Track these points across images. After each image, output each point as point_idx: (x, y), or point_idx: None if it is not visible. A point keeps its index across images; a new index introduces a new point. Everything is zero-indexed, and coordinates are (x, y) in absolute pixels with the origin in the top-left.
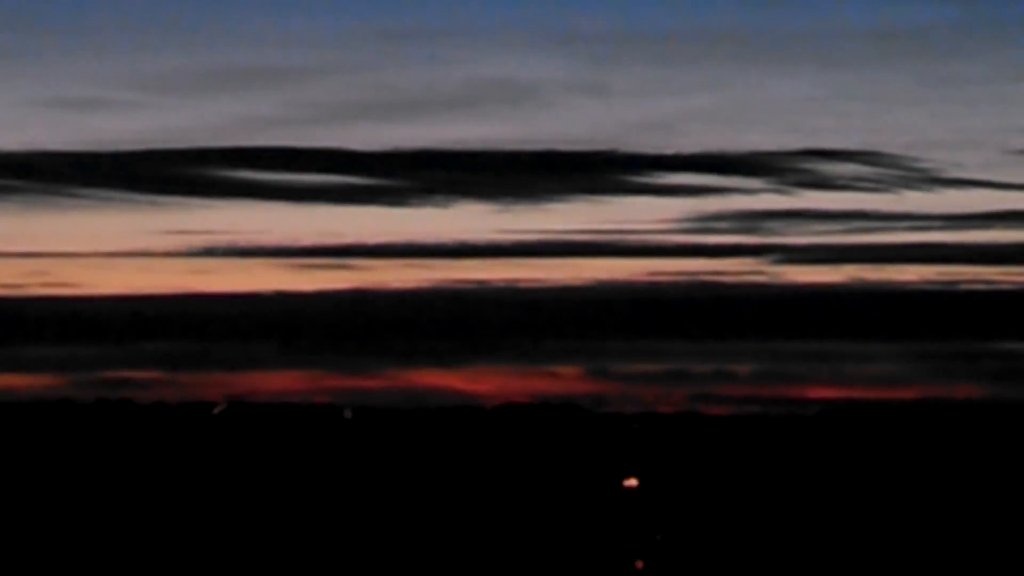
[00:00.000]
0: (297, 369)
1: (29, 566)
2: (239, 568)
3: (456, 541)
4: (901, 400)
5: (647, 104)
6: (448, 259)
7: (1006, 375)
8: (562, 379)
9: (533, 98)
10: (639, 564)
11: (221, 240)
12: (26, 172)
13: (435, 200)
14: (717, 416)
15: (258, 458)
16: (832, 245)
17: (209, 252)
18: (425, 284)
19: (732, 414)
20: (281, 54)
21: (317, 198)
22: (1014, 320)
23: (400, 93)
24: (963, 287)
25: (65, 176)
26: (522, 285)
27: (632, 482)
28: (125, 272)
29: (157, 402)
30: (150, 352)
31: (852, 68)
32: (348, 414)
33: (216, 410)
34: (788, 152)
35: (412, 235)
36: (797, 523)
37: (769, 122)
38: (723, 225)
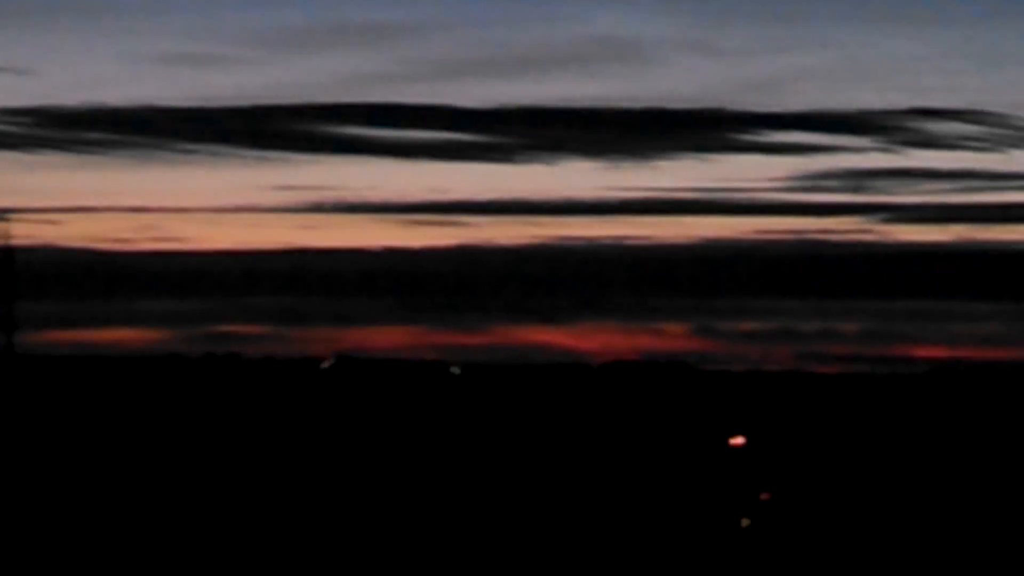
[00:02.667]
0: (405, 325)
1: (136, 515)
2: (342, 518)
3: (561, 498)
4: (1009, 360)
5: (755, 62)
6: (555, 216)
7: None
8: (669, 336)
9: (641, 56)
10: (745, 522)
11: (329, 196)
12: (137, 127)
13: (542, 157)
14: (824, 374)
15: (365, 413)
16: (940, 204)
17: (317, 208)
18: (532, 241)
19: (839, 373)
20: (391, 11)
21: (425, 155)
22: None
23: (509, 50)
24: None
25: (175, 132)
26: (629, 242)
27: (739, 440)
28: (234, 227)
29: (265, 356)
30: (258, 307)
31: (961, 27)
32: (455, 370)
33: (324, 365)
34: (896, 111)
35: (519, 192)
36: (903, 483)
37: (877, 80)
38: (831, 184)
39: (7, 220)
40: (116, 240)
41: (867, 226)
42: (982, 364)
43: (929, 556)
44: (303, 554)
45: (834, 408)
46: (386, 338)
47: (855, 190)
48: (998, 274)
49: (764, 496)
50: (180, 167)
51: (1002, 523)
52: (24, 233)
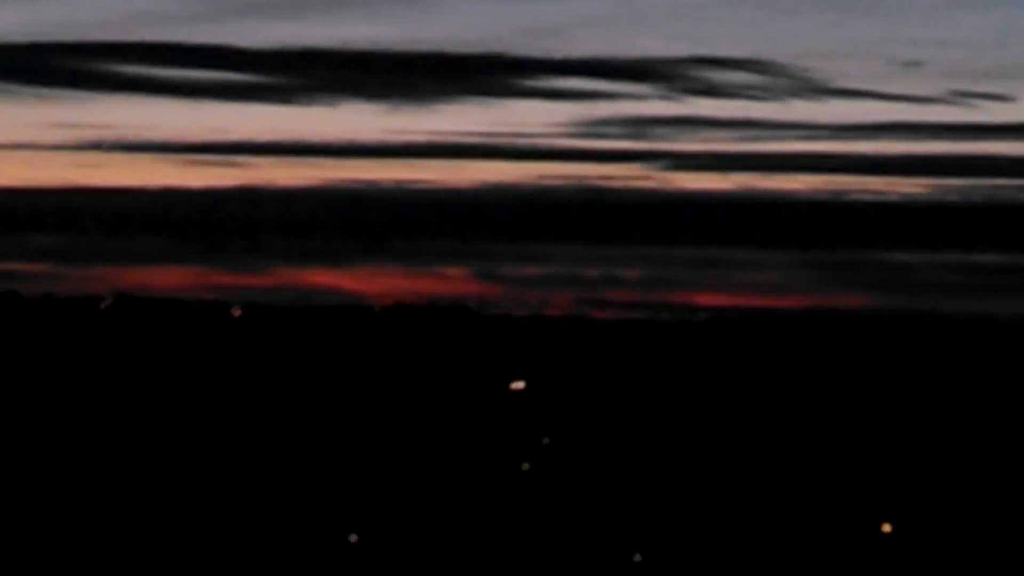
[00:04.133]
0: (185, 265)
1: None
2: (120, 464)
3: (342, 441)
4: (788, 308)
5: (538, 8)
6: (336, 158)
7: (891, 285)
8: (451, 280)
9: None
10: (525, 466)
11: (108, 135)
12: None
13: (324, 99)
14: (604, 320)
15: (146, 353)
16: (721, 152)
17: (96, 146)
18: (313, 183)
19: (619, 319)
20: None
21: (205, 95)
22: (900, 230)
23: None
24: (849, 197)
25: None
26: (410, 186)
27: (519, 385)
28: (11, 164)
29: (44, 294)
30: (36, 245)
31: None
32: (236, 311)
33: (103, 304)
34: (677, 59)
35: (300, 133)
36: (680, 427)
37: (659, 28)
38: (612, 130)
39: None
40: None
41: (648, 173)
42: (762, 312)
43: (704, 493)
44: (77, 492)
45: (614, 354)
46: (166, 278)
47: (636, 137)
48: (778, 223)
49: (544, 440)
50: None
51: (773, 463)
52: None
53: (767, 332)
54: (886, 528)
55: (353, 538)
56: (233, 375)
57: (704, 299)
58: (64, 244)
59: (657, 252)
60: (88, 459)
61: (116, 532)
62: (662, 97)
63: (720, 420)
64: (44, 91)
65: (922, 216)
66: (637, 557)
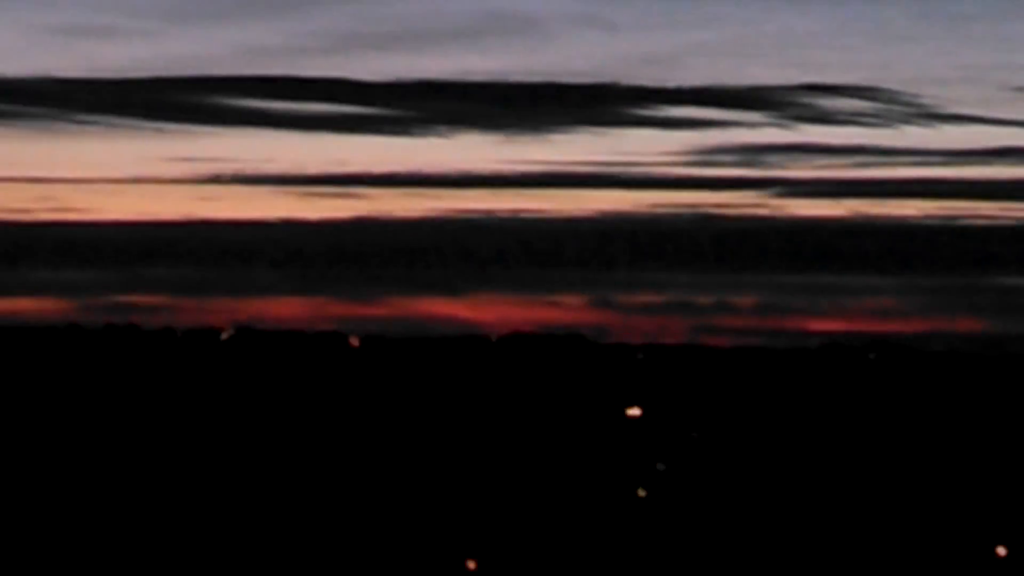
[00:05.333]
0: (302, 296)
1: (34, 486)
2: (242, 493)
3: (461, 470)
4: (901, 333)
5: (650, 37)
6: (452, 188)
7: (1005, 309)
8: (566, 309)
9: (537, 30)
10: (641, 492)
11: (227, 168)
12: (35, 98)
13: (439, 130)
14: (718, 347)
15: (265, 384)
16: (833, 179)
17: (215, 179)
18: (429, 213)
19: (733, 345)
20: None
21: (322, 127)
22: (1012, 255)
23: (404, 23)
24: (962, 222)
25: (73, 102)
26: (525, 215)
27: (635, 411)
28: (132, 198)
29: (164, 327)
30: (156, 278)
31: (854, 3)
32: (354, 341)
33: (223, 336)
34: (789, 86)
35: (416, 165)
36: (796, 453)
37: (771, 56)
38: (725, 158)
39: None
40: (15, 211)
41: (761, 200)
42: (875, 337)
43: (822, 519)
44: (205, 523)
45: (729, 380)
46: (284, 309)
47: (749, 164)
48: (891, 249)
49: (660, 466)
50: (78, 138)
51: (893, 489)
52: None
53: (880, 357)
54: (1001, 551)
55: (472, 565)
56: (351, 405)
57: (817, 325)
58: (184, 276)
59: (770, 279)
60: (207, 485)
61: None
62: (775, 125)
63: (834, 445)
64: (163, 125)
65: None
66: None
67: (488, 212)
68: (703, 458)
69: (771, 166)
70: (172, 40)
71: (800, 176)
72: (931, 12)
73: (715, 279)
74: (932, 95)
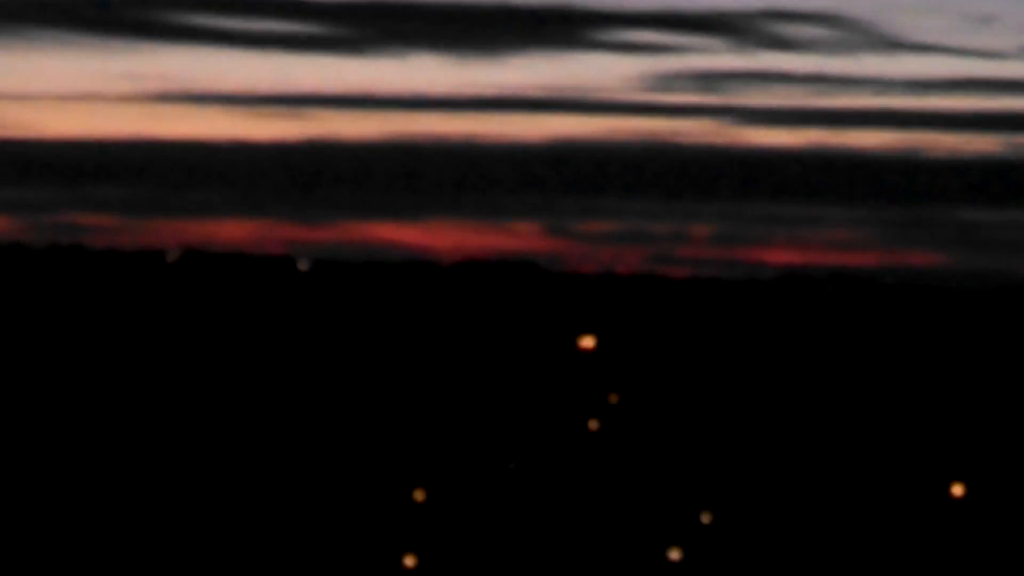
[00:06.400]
0: (251, 218)
1: None
2: (188, 417)
3: (410, 396)
4: (859, 266)
5: None
6: (404, 111)
7: (963, 242)
8: (520, 236)
9: None
10: (593, 424)
11: (176, 86)
12: None
13: (391, 51)
14: (675, 277)
15: (211, 308)
16: (792, 107)
17: (164, 98)
18: (381, 136)
19: (690, 276)
20: None
21: (273, 46)
22: (973, 188)
23: None
24: (923, 153)
25: (17, 18)
26: (479, 140)
27: (588, 342)
28: (78, 115)
29: (109, 248)
30: (103, 197)
31: None
32: (303, 266)
33: (169, 258)
34: (749, 12)
35: (368, 86)
36: (752, 385)
37: None
38: (682, 85)
39: None
40: None
41: (718, 128)
42: (832, 269)
43: (775, 449)
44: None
45: (685, 311)
46: (233, 231)
47: (706, 91)
48: (849, 179)
49: (612, 398)
50: (22, 54)
51: (842, 420)
52: None
53: (837, 289)
54: (957, 490)
55: (420, 496)
56: (299, 330)
57: (774, 256)
58: (131, 196)
59: (727, 207)
60: (153, 411)
61: (176, 487)
62: (733, 51)
63: (788, 380)
64: (112, 41)
65: (995, 173)
66: (706, 519)
67: (441, 136)
68: (657, 391)
69: (729, 93)
70: None
71: (758, 104)
72: None
73: (671, 207)
74: (893, 23)
